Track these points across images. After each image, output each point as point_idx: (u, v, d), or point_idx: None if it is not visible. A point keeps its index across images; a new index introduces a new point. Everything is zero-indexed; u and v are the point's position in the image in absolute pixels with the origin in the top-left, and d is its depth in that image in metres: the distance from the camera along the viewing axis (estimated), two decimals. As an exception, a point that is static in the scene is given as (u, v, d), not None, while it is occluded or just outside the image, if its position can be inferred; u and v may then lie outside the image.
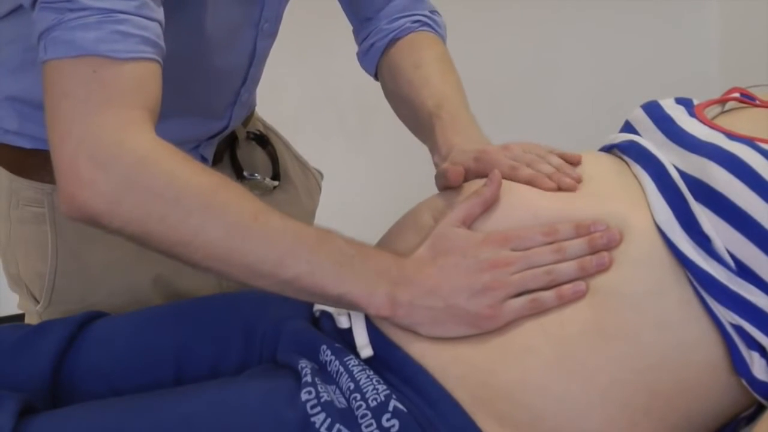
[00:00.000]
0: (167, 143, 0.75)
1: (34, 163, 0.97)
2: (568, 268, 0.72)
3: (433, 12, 1.10)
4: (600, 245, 0.73)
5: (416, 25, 1.07)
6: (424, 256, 0.76)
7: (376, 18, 1.08)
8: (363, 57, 1.10)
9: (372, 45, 1.08)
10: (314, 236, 0.75)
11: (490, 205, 0.77)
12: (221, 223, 0.73)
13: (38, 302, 1.01)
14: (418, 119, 0.99)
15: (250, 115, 1.16)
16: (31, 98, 0.92)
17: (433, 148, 0.94)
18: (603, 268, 0.72)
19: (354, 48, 1.13)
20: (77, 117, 0.72)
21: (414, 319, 0.74)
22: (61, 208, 0.74)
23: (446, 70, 1.03)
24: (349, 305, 0.75)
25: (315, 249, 0.74)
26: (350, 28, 1.13)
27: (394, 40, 1.06)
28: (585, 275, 0.72)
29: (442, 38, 1.09)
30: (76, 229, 0.97)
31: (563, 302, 0.72)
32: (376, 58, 1.08)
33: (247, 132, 1.14)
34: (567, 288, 0.72)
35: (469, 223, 0.77)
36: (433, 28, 1.08)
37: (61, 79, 0.73)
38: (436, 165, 0.92)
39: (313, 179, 1.23)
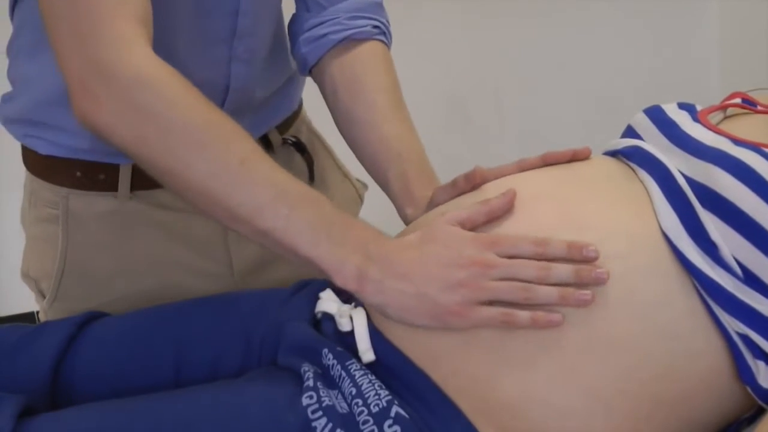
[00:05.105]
0: (165, 64, 0.77)
1: (49, 166, 0.98)
2: (547, 293, 0.69)
3: (388, 22, 1.06)
4: (586, 280, 0.69)
5: (375, 31, 1.03)
6: (409, 241, 0.75)
7: (335, 9, 1.03)
8: (308, 44, 1.03)
9: (324, 35, 1.02)
10: (299, 194, 0.76)
11: (495, 217, 0.76)
12: (205, 161, 0.74)
13: (44, 298, 1.02)
14: (374, 163, 0.99)
15: (289, 122, 1.12)
16: (46, 85, 0.93)
17: (405, 200, 0.94)
18: (583, 305, 0.69)
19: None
20: (75, 36, 0.76)
21: (382, 299, 0.73)
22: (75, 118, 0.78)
23: (400, 112, 1.00)
24: (319, 271, 0.75)
25: (295, 207, 0.74)
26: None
27: (349, 40, 1.02)
28: (562, 305, 0.69)
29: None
30: (86, 236, 0.99)
31: (535, 327, 0.69)
32: (324, 50, 1.03)
33: (283, 138, 1.10)
34: (542, 316, 0.69)
35: (468, 227, 0.75)
36: (388, 40, 1.05)
37: (52, 4, 0.77)
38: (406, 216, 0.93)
39: (353, 189, 1.21)
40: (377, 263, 0.73)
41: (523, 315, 0.69)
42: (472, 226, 0.76)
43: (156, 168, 0.77)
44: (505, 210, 0.76)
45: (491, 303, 0.70)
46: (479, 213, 0.76)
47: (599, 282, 0.69)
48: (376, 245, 0.74)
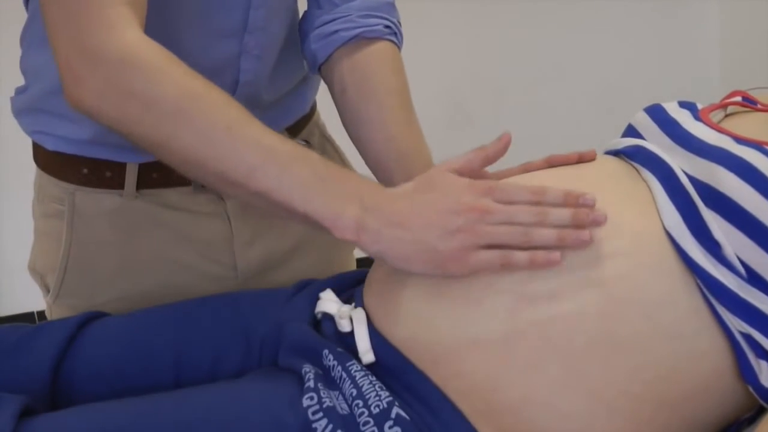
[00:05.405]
0: (154, 43, 0.78)
1: (57, 162, 0.99)
2: (546, 234, 0.70)
3: (400, 23, 1.06)
4: (584, 222, 0.70)
5: (387, 31, 1.02)
6: (405, 190, 0.76)
7: (347, 6, 1.02)
8: (318, 40, 1.02)
9: (335, 32, 1.01)
10: (288, 153, 0.76)
11: (490, 162, 0.77)
12: (193, 131, 0.76)
13: (49, 293, 1.03)
14: (379, 162, 0.99)
15: (300, 124, 1.11)
16: (55, 74, 0.93)
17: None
18: (581, 245, 0.69)
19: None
20: (64, 19, 0.78)
21: (380, 248, 0.73)
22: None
23: (409, 113, 1.00)
24: (316, 225, 0.75)
25: (287, 165, 0.75)
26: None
27: (360, 38, 1.01)
28: (561, 246, 0.69)
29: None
30: (91, 233, 0.99)
31: (534, 267, 0.69)
32: (334, 47, 1.02)
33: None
34: (541, 254, 0.69)
35: (465, 174, 0.76)
36: (399, 41, 1.05)
37: None
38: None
39: None
40: (373, 213, 0.73)
41: (522, 255, 0.69)
42: (469, 173, 0.76)
43: (146, 142, 0.78)
44: (500, 155, 0.77)
45: (489, 249, 0.70)
46: (476, 159, 0.77)
47: (597, 223, 0.70)
48: (372, 195, 0.75)
